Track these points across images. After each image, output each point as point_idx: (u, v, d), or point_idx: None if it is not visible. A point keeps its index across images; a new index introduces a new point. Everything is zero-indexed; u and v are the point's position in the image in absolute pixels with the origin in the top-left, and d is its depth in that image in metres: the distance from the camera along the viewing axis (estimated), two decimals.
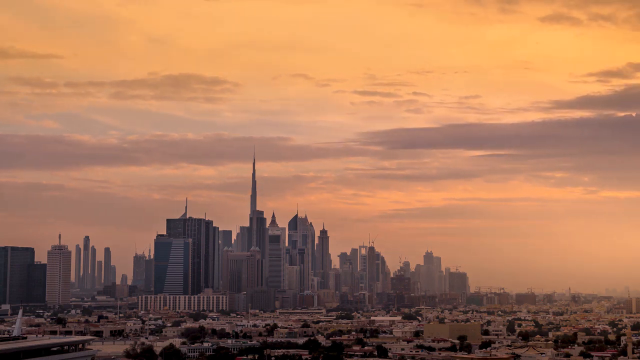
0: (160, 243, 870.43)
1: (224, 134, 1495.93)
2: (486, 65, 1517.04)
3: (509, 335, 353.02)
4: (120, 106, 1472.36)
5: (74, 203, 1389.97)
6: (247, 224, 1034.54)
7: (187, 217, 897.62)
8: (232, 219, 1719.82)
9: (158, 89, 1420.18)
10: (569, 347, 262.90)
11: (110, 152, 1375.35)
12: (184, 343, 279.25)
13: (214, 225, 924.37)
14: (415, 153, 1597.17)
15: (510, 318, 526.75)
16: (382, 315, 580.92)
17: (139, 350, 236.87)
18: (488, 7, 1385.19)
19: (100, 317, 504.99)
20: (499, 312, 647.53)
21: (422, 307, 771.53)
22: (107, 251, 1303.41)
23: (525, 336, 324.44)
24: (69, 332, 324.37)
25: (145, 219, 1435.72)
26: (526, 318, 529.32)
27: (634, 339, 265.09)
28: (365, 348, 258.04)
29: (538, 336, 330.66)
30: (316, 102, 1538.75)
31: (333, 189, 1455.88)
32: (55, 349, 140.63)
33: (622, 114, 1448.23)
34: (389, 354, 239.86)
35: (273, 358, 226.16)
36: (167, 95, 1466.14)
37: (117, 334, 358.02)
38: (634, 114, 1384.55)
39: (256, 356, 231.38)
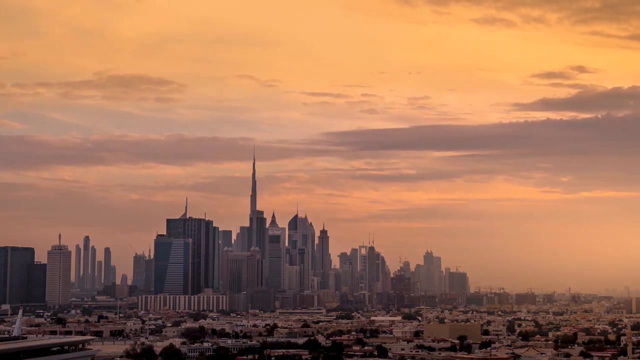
0: (160, 243, 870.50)
1: (185, 134, 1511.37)
2: (434, 66, 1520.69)
3: (509, 335, 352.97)
4: (73, 105, 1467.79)
5: (49, 203, 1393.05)
6: (247, 224, 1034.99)
7: (187, 217, 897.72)
8: (231, 219, 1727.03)
9: (107, 90, 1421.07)
10: (569, 347, 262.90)
11: (75, 152, 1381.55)
12: (184, 343, 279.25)
13: (214, 225, 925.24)
14: (382, 154, 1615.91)
15: (510, 318, 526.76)
16: (382, 315, 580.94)
17: (139, 350, 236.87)
18: (419, 8, 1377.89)
19: (100, 317, 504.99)
20: (499, 312, 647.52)
21: (422, 307, 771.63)
22: (107, 251, 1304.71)
23: (525, 336, 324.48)
24: (69, 332, 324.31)
25: (126, 219, 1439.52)
26: (526, 318, 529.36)
27: (634, 339, 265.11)
28: (365, 348, 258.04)
29: (538, 336, 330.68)
30: (268, 102, 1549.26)
31: (308, 189, 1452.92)
32: (55, 349, 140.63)
33: (587, 116, 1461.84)
34: (389, 354, 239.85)
35: (273, 358, 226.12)
36: (117, 96, 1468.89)
37: (117, 334, 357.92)
38: (599, 116, 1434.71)
39: (256, 356, 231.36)
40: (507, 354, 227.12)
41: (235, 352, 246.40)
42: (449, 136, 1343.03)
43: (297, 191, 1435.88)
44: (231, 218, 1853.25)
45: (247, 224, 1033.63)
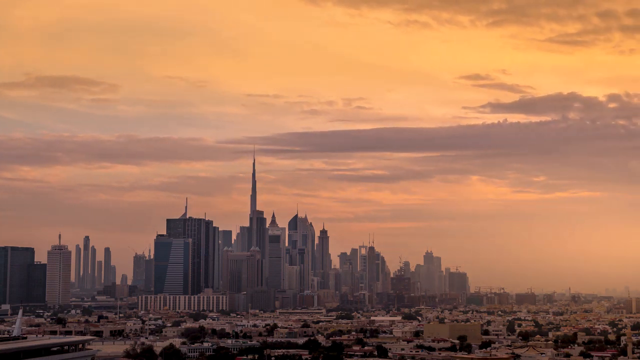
0: (160, 243, 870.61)
1: (136, 134, 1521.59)
2: (364, 67, 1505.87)
3: (509, 335, 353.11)
4: (14, 104, 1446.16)
5: (20, 203, 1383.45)
6: (247, 224, 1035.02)
7: (187, 217, 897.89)
8: (231, 219, 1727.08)
9: (39, 90, 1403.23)
10: (569, 347, 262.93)
11: (27, 152, 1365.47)
12: (184, 343, 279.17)
13: (214, 225, 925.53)
14: (341, 155, 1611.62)
15: (510, 318, 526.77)
16: (382, 315, 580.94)
17: (139, 350, 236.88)
18: (329, 10, 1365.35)
19: (100, 317, 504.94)
20: (499, 312, 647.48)
21: (422, 307, 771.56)
22: (107, 251, 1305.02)
23: (525, 336, 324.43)
24: (69, 332, 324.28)
25: (101, 219, 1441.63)
26: (526, 318, 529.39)
27: (634, 339, 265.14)
28: (365, 348, 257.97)
29: (538, 336, 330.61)
30: (207, 101, 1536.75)
31: (275, 190, 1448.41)
32: (55, 349, 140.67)
33: (544, 119, 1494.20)
34: (389, 354, 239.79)
35: (273, 358, 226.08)
36: (53, 97, 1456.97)
37: (117, 334, 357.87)
38: (552, 118, 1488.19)
39: (256, 356, 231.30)
40: (507, 354, 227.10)
41: (235, 352, 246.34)
42: (412, 137, 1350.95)
43: (268, 192, 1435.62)
44: (231, 218, 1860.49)
45: (247, 224, 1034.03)
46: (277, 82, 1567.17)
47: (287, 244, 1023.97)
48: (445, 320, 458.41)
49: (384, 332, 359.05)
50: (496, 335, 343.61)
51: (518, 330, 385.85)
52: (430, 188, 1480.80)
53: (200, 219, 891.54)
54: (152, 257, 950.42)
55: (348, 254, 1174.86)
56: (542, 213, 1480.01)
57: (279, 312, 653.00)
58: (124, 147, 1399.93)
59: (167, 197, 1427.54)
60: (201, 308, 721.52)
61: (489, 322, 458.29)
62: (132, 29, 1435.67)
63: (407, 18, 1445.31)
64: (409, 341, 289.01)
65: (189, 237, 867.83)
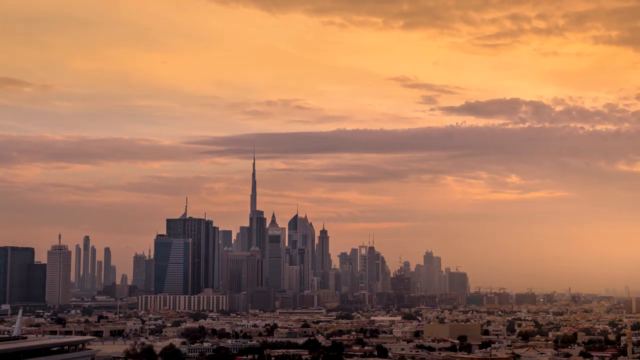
0: (160, 243, 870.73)
1: (85, 135, 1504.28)
2: (290, 65, 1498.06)
3: (509, 335, 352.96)
4: None
5: None
6: (247, 224, 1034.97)
7: (187, 217, 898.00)
8: (231, 219, 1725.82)
9: None
10: (569, 347, 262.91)
11: None
12: (184, 343, 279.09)
13: (214, 225, 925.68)
14: (301, 156, 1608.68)
15: (510, 318, 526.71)
16: (382, 315, 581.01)
17: (139, 350, 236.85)
18: (240, 10, 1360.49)
19: (100, 317, 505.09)
20: (499, 312, 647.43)
21: (422, 307, 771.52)
22: (107, 251, 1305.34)
23: (525, 336, 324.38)
24: (69, 332, 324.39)
25: (69, 219, 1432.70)
26: (526, 318, 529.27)
27: (634, 339, 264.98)
28: (365, 348, 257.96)
29: (538, 336, 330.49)
30: (147, 100, 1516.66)
31: (239, 190, 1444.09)
32: (55, 349, 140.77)
33: (490, 122, 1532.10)
34: (389, 354, 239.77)
35: (273, 358, 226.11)
36: None
37: (117, 334, 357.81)
38: (501, 121, 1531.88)
39: (256, 356, 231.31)
40: (507, 354, 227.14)
41: (235, 352, 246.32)
42: (374, 138, 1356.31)
43: (232, 192, 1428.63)
44: (230, 218, 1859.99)
45: (247, 224, 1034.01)
46: (209, 77, 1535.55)
47: (287, 244, 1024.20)
48: (445, 320, 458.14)
49: (384, 332, 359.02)
50: (496, 335, 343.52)
51: (518, 330, 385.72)
52: (408, 188, 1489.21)
53: (200, 219, 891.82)
54: (152, 257, 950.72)
55: (348, 254, 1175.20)
56: (528, 213, 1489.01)
57: (279, 312, 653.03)
58: (78, 147, 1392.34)
59: (141, 198, 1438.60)
60: (201, 308, 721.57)
61: (489, 322, 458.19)
62: (44, 20, 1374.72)
63: (320, 20, 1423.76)
64: (409, 341, 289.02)
65: (189, 237, 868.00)
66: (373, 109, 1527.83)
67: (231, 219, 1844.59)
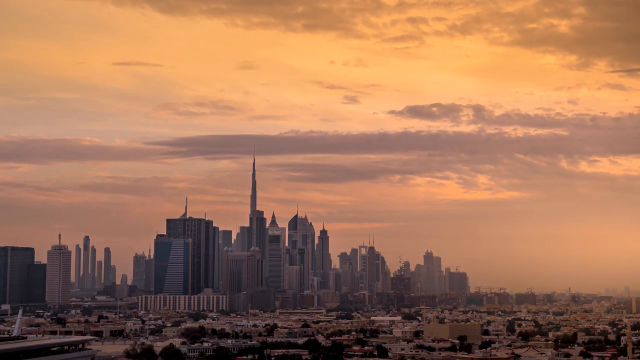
0: (160, 243, 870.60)
1: (28, 135, 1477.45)
2: (206, 63, 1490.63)
3: (509, 335, 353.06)
4: None
5: None
6: (247, 224, 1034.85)
7: (187, 217, 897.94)
8: (231, 219, 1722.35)
9: None
10: (569, 347, 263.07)
11: None
12: (184, 343, 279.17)
13: (214, 225, 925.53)
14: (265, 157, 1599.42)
15: (510, 318, 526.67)
16: (382, 315, 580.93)
17: (139, 350, 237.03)
18: (147, 9, 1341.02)
19: (100, 317, 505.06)
20: (499, 312, 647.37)
21: (422, 307, 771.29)
22: (107, 251, 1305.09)
23: (525, 336, 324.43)
24: (69, 332, 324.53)
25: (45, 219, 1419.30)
26: (526, 318, 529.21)
27: (634, 339, 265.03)
28: (365, 348, 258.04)
29: (538, 336, 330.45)
30: (82, 99, 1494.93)
31: (204, 191, 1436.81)
32: (55, 349, 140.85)
33: (433, 124, 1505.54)
34: (389, 354, 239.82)
35: (273, 358, 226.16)
36: None
37: (117, 334, 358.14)
38: (447, 123, 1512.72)
39: (256, 356, 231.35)
40: (507, 354, 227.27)
41: (235, 352, 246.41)
42: (334, 141, 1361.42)
43: (200, 192, 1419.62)
44: (231, 218, 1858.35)
45: (247, 224, 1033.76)
46: (125, 73, 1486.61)
47: (287, 244, 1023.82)
48: (445, 320, 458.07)
49: (384, 332, 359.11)
50: (496, 335, 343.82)
51: (518, 330, 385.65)
52: (379, 188, 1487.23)
53: (200, 219, 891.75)
54: (152, 257, 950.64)
55: (348, 254, 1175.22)
56: (522, 212, 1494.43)
57: (279, 312, 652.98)
58: (18, 147, 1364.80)
59: (108, 198, 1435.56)
60: (201, 308, 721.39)
61: (489, 322, 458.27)
62: None
63: (222, 21, 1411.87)
64: (409, 341, 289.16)
65: (189, 237, 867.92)
66: (304, 109, 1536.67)
67: (231, 219, 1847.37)
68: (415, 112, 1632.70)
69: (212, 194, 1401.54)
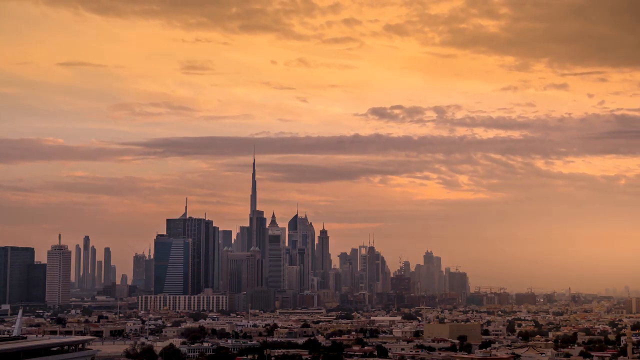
0: (160, 243, 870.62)
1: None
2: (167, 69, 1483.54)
3: (509, 335, 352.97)
4: None
5: None
6: (246, 224, 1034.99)
7: (187, 217, 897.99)
8: (232, 219, 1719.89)
9: None
10: (569, 347, 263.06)
11: None
12: (184, 343, 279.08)
13: (214, 225, 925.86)
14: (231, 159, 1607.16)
15: (510, 318, 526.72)
16: (382, 315, 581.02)
17: (139, 350, 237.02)
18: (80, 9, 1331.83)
19: (100, 317, 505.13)
20: (499, 312, 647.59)
21: (422, 307, 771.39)
22: (107, 251, 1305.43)
23: (525, 336, 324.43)
24: (69, 332, 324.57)
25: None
26: (526, 318, 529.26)
27: (634, 339, 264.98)
28: (365, 348, 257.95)
29: (538, 336, 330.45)
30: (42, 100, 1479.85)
31: (179, 191, 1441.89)
32: (55, 349, 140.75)
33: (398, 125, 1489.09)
34: (389, 354, 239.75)
35: (273, 358, 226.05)
36: None
37: (117, 334, 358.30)
38: (409, 125, 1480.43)
39: (256, 356, 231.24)
40: (507, 354, 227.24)
41: (235, 352, 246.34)
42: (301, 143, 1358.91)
43: (175, 192, 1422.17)
44: (231, 218, 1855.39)
45: (247, 224, 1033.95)
46: (72, 73, 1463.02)
47: (287, 244, 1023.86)
48: (445, 320, 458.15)
49: (384, 332, 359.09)
50: (496, 335, 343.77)
51: (518, 330, 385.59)
52: (360, 189, 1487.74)
53: (200, 219, 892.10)
54: (152, 257, 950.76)
55: (348, 254, 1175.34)
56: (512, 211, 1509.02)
57: (279, 312, 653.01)
58: None
59: (83, 198, 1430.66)
60: (201, 308, 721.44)
61: (489, 322, 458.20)
62: None
63: (157, 22, 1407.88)
64: (409, 341, 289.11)
65: (189, 237, 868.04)
66: (260, 109, 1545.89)
67: (231, 219, 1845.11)
68: (379, 113, 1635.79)
69: (188, 194, 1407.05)
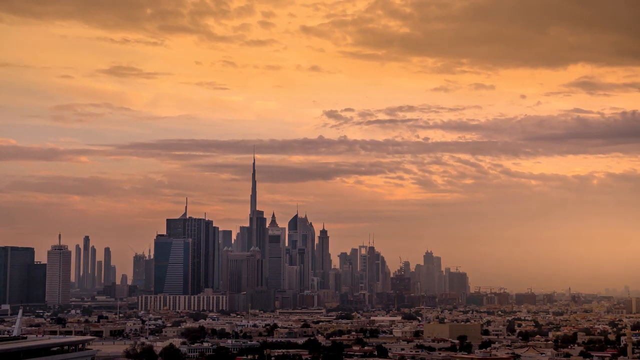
0: (160, 243, 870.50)
1: None
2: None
3: (509, 335, 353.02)
4: None
5: None
6: (247, 224, 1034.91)
7: (187, 217, 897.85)
8: (231, 219, 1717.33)
9: None
10: (569, 347, 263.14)
11: None
12: (184, 343, 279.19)
13: (214, 225, 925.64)
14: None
15: (510, 318, 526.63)
16: (382, 315, 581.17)
17: (139, 350, 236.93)
18: None
19: (100, 317, 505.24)
20: (499, 312, 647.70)
21: (422, 307, 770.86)
22: (107, 251, 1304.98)
23: (525, 336, 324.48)
24: (69, 332, 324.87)
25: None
26: (526, 318, 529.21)
27: (634, 339, 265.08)
28: (365, 348, 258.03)
29: (538, 336, 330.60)
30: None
31: (148, 190, 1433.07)
32: (55, 349, 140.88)
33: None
34: (389, 354, 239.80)
35: (273, 358, 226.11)
36: None
37: (117, 334, 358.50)
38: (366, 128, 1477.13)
39: (256, 356, 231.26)
40: (507, 354, 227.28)
41: (235, 352, 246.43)
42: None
43: (145, 192, 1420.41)
44: (230, 218, 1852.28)
45: (247, 224, 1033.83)
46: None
47: (287, 244, 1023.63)
48: (445, 320, 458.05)
49: (384, 332, 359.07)
50: (496, 335, 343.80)
51: (518, 330, 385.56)
52: (336, 188, 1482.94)
53: (200, 219, 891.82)
54: (152, 257, 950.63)
55: (348, 254, 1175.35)
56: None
57: (279, 312, 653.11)
58: None
59: (55, 199, 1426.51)
60: (201, 308, 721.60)
61: (489, 322, 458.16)
62: None
63: (74, 23, 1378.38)
64: (409, 341, 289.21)
65: (189, 237, 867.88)
66: (203, 109, 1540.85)
67: (229, 218, 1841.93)
68: (333, 116, 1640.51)
69: (157, 194, 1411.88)
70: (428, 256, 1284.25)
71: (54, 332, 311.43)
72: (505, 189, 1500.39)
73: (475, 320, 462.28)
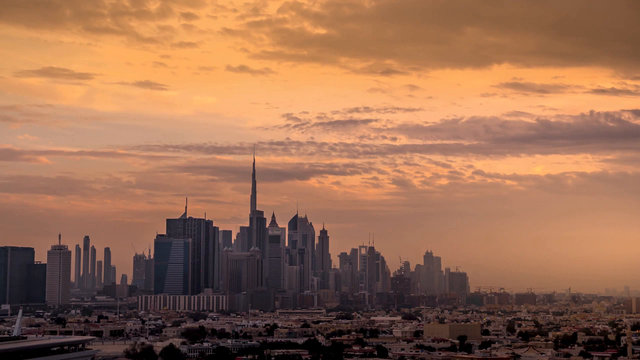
0: (160, 243, 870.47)
1: None
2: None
3: (509, 335, 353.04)
4: None
5: None
6: (247, 224, 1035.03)
7: (187, 217, 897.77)
8: (231, 219, 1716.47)
9: None
10: (569, 347, 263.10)
11: None
12: (184, 343, 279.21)
13: (214, 225, 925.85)
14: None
15: (510, 318, 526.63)
16: (382, 315, 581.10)
17: (139, 350, 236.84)
18: None
19: (100, 317, 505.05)
20: (499, 312, 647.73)
21: (422, 307, 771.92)
22: (107, 251, 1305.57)
23: (525, 336, 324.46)
24: (68, 332, 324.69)
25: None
26: (526, 318, 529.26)
27: (634, 339, 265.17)
28: (365, 348, 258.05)
29: (538, 336, 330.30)
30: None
31: (120, 191, 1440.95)
32: (55, 349, 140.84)
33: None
34: (389, 354, 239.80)
35: (273, 358, 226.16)
36: None
37: (117, 334, 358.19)
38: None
39: (256, 356, 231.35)
40: (507, 354, 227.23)
41: (235, 352, 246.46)
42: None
43: (116, 192, 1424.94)
44: (230, 218, 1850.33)
45: (247, 224, 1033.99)
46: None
47: (287, 244, 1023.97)
48: (445, 320, 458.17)
49: (384, 332, 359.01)
50: (496, 335, 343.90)
51: (518, 330, 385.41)
52: (316, 188, 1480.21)
53: (200, 219, 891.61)
54: (152, 257, 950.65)
55: (348, 254, 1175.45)
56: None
57: (279, 312, 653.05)
58: None
59: (33, 200, 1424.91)
60: (201, 308, 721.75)
61: (489, 322, 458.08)
62: None
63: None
64: (409, 341, 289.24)
65: (189, 237, 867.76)
66: (147, 111, 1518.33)
67: (230, 218, 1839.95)
68: (292, 118, 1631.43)
69: (123, 194, 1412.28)
70: (428, 256, 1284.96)
71: (54, 332, 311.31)
72: (482, 190, 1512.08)
73: (475, 320, 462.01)
